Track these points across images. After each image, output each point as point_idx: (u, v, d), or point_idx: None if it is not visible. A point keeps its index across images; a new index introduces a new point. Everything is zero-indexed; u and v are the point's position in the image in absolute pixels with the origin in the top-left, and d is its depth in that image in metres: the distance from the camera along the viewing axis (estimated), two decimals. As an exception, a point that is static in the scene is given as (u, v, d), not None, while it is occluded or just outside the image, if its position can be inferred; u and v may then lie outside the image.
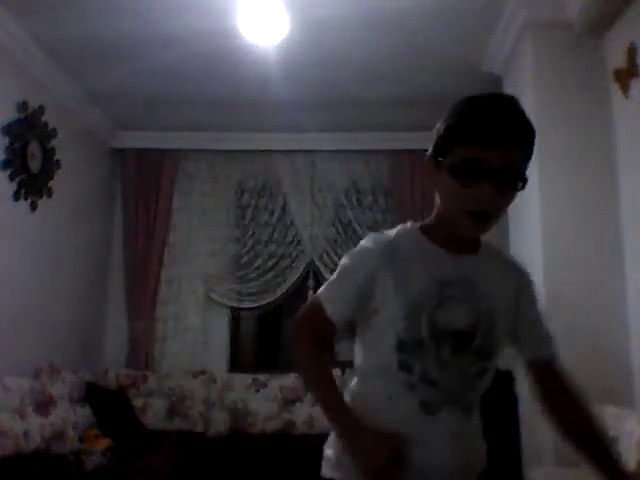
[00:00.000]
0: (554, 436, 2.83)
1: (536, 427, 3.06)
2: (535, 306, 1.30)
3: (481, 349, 1.18)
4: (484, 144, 1.10)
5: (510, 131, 1.11)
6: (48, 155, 3.95)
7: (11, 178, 3.59)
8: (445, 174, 1.15)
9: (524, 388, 3.37)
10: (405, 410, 1.16)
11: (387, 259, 1.19)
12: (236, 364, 5.04)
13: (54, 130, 3.98)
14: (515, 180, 1.13)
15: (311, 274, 4.99)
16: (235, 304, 4.96)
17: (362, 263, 1.22)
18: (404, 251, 1.21)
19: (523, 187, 1.16)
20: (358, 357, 1.26)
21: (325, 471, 1.23)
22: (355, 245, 1.29)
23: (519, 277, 1.28)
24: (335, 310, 1.21)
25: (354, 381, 1.27)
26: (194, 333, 4.83)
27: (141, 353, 4.74)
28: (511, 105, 1.16)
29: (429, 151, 1.20)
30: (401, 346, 1.16)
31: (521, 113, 1.15)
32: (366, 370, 1.25)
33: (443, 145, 1.17)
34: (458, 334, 1.17)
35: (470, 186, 1.11)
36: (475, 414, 1.23)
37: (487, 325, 1.18)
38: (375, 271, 1.19)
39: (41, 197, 3.89)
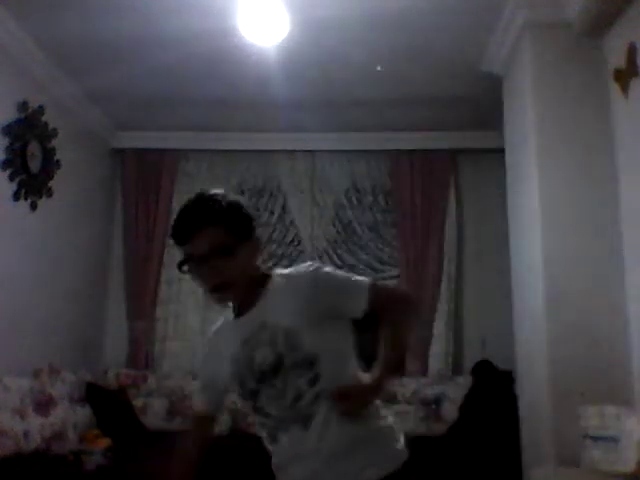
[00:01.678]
0: (554, 436, 2.83)
1: (536, 427, 3.07)
2: (333, 284, 1.46)
3: (296, 364, 1.38)
4: (181, 244, 1.41)
5: (189, 227, 1.39)
6: (48, 155, 3.95)
7: (11, 178, 3.59)
8: (191, 276, 1.46)
9: (524, 388, 3.37)
10: (266, 442, 1.52)
11: (210, 347, 1.63)
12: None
13: (54, 130, 3.98)
14: (223, 253, 1.38)
15: (311, 274, 4.98)
16: (235, 304, 4.95)
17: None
18: (220, 333, 1.57)
19: (245, 239, 1.42)
20: None
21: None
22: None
23: (307, 281, 1.44)
24: None
25: None
26: (194, 333, 4.83)
27: (141, 353, 4.74)
28: (191, 204, 1.43)
29: None
30: (245, 398, 1.52)
31: (201, 202, 1.43)
32: None
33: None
34: (272, 368, 1.40)
35: (197, 273, 1.42)
36: (322, 416, 1.39)
37: (289, 344, 1.38)
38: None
39: (41, 197, 3.89)
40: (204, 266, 1.39)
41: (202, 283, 1.43)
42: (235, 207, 1.45)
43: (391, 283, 1.49)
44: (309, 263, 1.49)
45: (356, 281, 1.49)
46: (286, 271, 1.50)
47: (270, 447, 1.52)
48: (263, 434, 1.51)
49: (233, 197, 1.48)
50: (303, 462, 1.42)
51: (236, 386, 1.52)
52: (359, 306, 1.46)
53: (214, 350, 1.59)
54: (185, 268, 1.42)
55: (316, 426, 1.39)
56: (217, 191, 1.48)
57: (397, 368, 1.49)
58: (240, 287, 1.44)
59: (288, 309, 1.41)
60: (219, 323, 1.59)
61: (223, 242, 1.38)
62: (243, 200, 1.50)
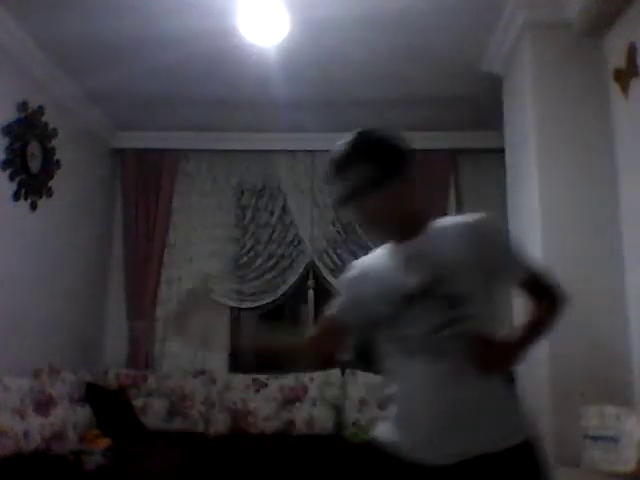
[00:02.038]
0: (554, 436, 2.83)
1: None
2: (498, 244, 1.48)
3: (448, 297, 1.39)
4: (334, 181, 1.48)
5: (340, 164, 1.46)
6: (48, 155, 3.95)
7: (11, 178, 3.59)
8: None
9: (524, 388, 3.36)
10: (396, 368, 1.49)
11: (356, 272, 1.62)
12: (236, 364, 5.04)
13: (54, 130, 3.98)
14: (372, 189, 1.42)
15: (311, 274, 4.98)
16: (235, 304, 4.96)
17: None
18: (368, 261, 1.62)
19: (395, 175, 1.44)
20: None
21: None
22: (354, 245, 1.53)
23: (474, 231, 1.46)
24: None
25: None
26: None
27: (141, 353, 4.74)
28: (346, 141, 1.48)
29: None
30: (386, 321, 1.48)
31: (355, 139, 1.47)
32: (380, 349, 1.57)
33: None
34: (423, 292, 1.41)
35: (351, 209, 1.48)
36: (461, 350, 1.37)
37: (448, 277, 1.40)
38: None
39: (41, 197, 3.89)
40: (355, 202, 1.45)
41: (356, 219, 1.51)
42: (387, 143, 1.49)
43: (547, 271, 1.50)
44: (482, 214, 1.49)
45: (519, 255, 1.50)
46: (452, 217, 1.55)
47: (400, 376, 1.48)
48: (393, 363, 1.49)
49: (388, 133, 1.51)
50: (437, 400, 1.38)
51: (381, 306, 1.48)
52: (510, 278, 1.51)
53: (362, 274, 1.59)
54: (341, 205, 1.47)
55: (446, 365, 1.38)
56: (375, 127, 1.53)
57: (530, 345, 1.44)
58: (393, 223, 1.48)
59: (451, 246, 1.43)
60: (369, 255, 1.64)
61: (372, 178, 1.42)
62: (399, 135, 1.52)
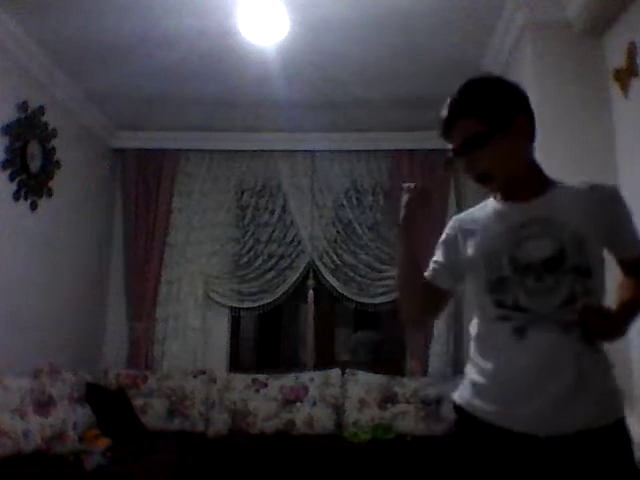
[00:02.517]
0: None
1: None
2: (621, 215, 1.47)
3: (578, 268, 1.35)
4: (443, 138, 1.48)
5: (445, 121, 1.45)
6: (48, 155, 3.95)
7: (11, 178, 3.59)
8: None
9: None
10: (502, 338, 1.40)
11: (458, 229, 1.57)
12: (236, 364, 5.05)
13: (54, 130, 3.98)
14: (477, 144, 1.40)
15: (311, 274, 4.98)
16: (235, 304, 4.96)
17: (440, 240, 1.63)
18: (475, 216, 1.56)
19: (501, 129, 1.40)
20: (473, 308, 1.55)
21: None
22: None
23: (596, 197, 1.43)
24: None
25: (472, 327, 1.54)
26: (194, 333, 4.83)
27: (141, 353, 4.74)
28: (453, 95, 1.47)
29: None
30: (491, 287, 1.42)
31: (460, 92, 1.45)
32: (476, 314, 1.52)
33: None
34: (546, 262, 1.36)
35: (459, 165, 1.47)
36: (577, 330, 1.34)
37: (576, 246, 1.35)
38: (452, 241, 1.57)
39: (41, 197, 3.89)
40: (462, 159, 1.45)
41: (466, 174, 1.48)
42: (492, 95, 1.44)
43: None
44: (605, 184, 1.48)
45: (637, 232, 1.48)
46: (577, 182, 1.49)
47: (506, 345, 1.41)
48: (502, 330, 1.41)
49: (498, 82, 1.48)
50: (556, 373, 1.35)
51: (483, 269, 1.44)
52: (623, 254, 1.48)
53: (466, 233, 1.54)
54: (450, 161, 1.48)
55: (575, 336, 1.35)
56: (483, 77, 1.52)
57: (634, 319, 1.41)
58: (505, 178, 1.45)
59: (579, 212, 1.39)
60: (475, 208, 1.60)
61: (475, 133, 1.40)
62: (509, 84, 1.47)
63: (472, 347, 1.53)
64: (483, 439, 1.42)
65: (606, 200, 1.46)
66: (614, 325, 1.37)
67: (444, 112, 1.45)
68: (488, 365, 1.44)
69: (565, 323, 1.34)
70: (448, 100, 1.45)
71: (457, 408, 1.50)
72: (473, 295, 1.52)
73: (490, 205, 1.54)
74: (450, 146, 1.45)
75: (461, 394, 1.50)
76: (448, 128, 1.44)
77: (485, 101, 1.42)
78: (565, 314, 1.35)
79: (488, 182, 1.46)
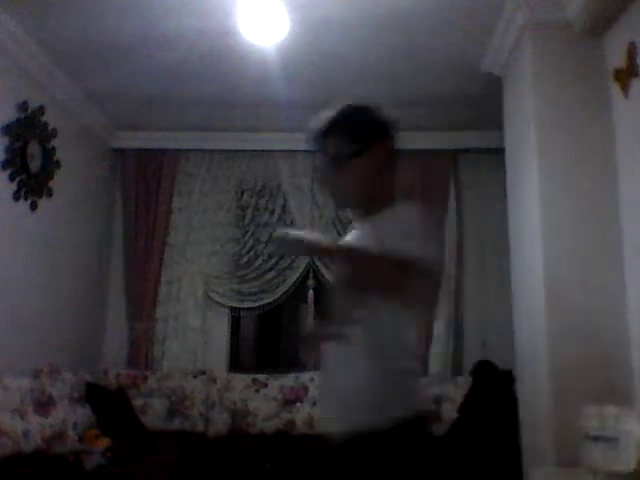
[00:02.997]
0: (554, 436, 2.82)
1: (536, 427, 3.06)
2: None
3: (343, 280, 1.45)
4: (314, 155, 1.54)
5: (317, 137, 1.51)
6: (48, 155, 3.95)
7: (11, 178, 3.59)
8: None
9: (524, 388, 3.37)
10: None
11: None
12: (236, 364, 5.05)
13: (54, 130, 3.98)
14: (335, 164, 1.45)
15: (311, 274, 4.98)
16: (235, 304, 4.96)
17: None
18: None
19: (362, 151, 1.43)
20: None
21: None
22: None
23: (379, 226, 1.43)
24: None
25: None
26: (194, 333, 4.83)
27: (141, 353, 4.74)
28: (325, 117, 1.52)
29: None
30: None
31: (327, 116, 1.50)
32: None
33: None
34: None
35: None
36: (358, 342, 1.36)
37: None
38: None
39: (41, 197, 3.89)
40: (326, 174, 1.51)
41: (328, 192, 1.55)
42: (356, 118, 1.48)
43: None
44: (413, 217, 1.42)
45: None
46: (404, 208, 1.45)
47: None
48: None
49: (363, 106, 1.50)
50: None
51: None
52: None
53: None
54: (317, 176, 1.57)
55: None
56: (353, 102, 1.51)
57: (329, 252, 1.41)
58: (354, 200, 1.50)
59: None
60: None
61: (335, 154, 1.45)
62: (374, 109, 1.50)
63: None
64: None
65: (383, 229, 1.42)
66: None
67: (314, 130, 1.52)
68: None
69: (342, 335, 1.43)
70: (320, 119, 1.51)
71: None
72: None
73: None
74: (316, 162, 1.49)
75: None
76: (318, 144, 1.51)
77: (348, 123, 1.48)
78: (340, 329, 1.45)
79: (338, 201, 1.55)
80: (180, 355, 4.76)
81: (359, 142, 1.44)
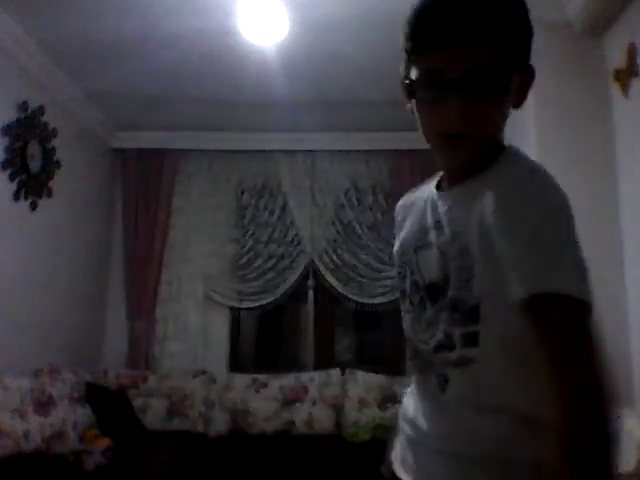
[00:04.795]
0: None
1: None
2: (502, 237, 0.85)
3: (456, 305, 0.91)
4: (432, 46, 0.87)
5: (461, 23, 0.85)
6: (48, 155, 3.95)
7: (11, 178, 3.59)
8: (413, 103, 0.96)
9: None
10: (410, 368, 1.06)
11: (399, 216, 1.17)
12: (236, 364, 5.05)
13: (54, 130, 3.98)
14: (492, 83, 0.88)
15: (311, 274, 4.99)
16: (235, 304, 4.96)
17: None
18: (410, 202, 1.12)
19: (522, 74, 0.93)
20: None
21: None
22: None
23: (489, 198, 0.88)
24: None
25: None
26: (194, 333, 4.83)
27: (141, 353, 4.74)
28: None
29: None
30: (401, 293, 1.06)
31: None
32: None
33: (405, 61, 0.97)
34: (429, 287, 0.96)
35: (436, 103, 0.90)
36: (456, 401, 0.93)
37: (460, 273, 0.90)
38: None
39: (41, 197, 3.89)
40: (453, 96, 0.87)
41: (435, 121, 0.93)
42: (522, 16, 0.91)
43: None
44: (529, 173, 0.96)
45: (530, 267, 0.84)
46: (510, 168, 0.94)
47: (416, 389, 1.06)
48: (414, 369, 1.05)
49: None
50: (419, 445, 1.00)
51: (396, 279, 1.08)
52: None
53: (402, 213, 1.15)
54: (415, 88, 0.93)
55: (449, 402, 0.94)
56: None
57: None
58: (476, 147, 0.93)
59: (473, 220, 0.90)
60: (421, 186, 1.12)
61: (494, 68, 0.87)
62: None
63: None
64: None
65: (494, 210, 0.88)
66: None
67: (441, 10, 0.87)
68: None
69: (441, 376, 0.95)
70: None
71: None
72: None
73: (427, 188, 1.08)
74: (426, 67, 0.91)
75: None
76: (446, 41, 0.86)
77: (516, 22, 0.90)
78: (440, 363, 0.95)
79: (460, 145, 0.92)
80: (180, 355, 4.76)
81: (526, 55, 0.93)
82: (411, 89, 0.95)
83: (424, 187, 1.10)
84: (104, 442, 3.43)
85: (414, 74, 0.93)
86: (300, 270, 4.93)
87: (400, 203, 1.18)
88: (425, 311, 0.98)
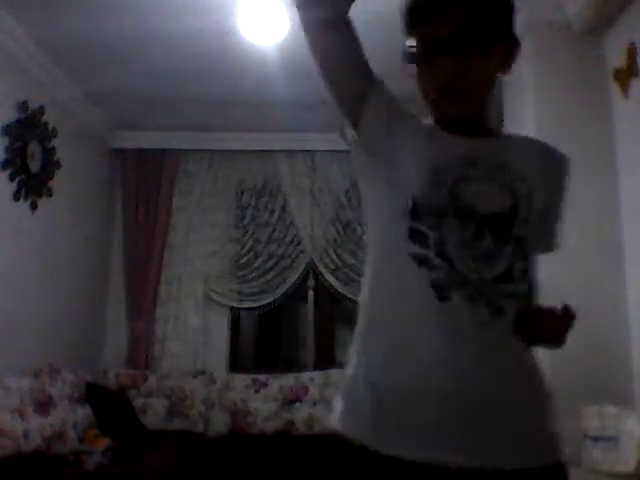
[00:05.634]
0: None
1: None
2: (557, 195, 1.14)
3: (521, 240, 1.03)
4: (425, 19, 1.07)
5: None
6: (48, 155, 3.95)
7: (11, 178, 3.59)
8: (413, 70, 1.14)
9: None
10: (415, 296, 0.98)
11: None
12: (236, 364, 5.05)
13: (54, 130, 3.98)
14: (474, 43, 1.03)
15: (311, 274, 4.98)
16: (235, 304, 4.96)
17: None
18: (409, 115, 1.19)
19: (508, 44, 1.08)
20: (367, 247, 1.12)
21: (334, 424, 1.04)
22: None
23: (554, 161, 1.14)
24: None
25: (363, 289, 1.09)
26: (194, 333, 4.83)
27: (141, 353, 4.74)
28: None
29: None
30: (417, 212, 1.00)
31: None
32: (372, 263, 1.08)
33: (406, 37, 1.16)
34: (493, 217, 1.01)
35: (430, 64, 1.08)
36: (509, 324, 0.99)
37: (525, 212, 1.03)
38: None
39: (41, 197, 3.89)
40: (443, 55, 1.04)
41: (432, 80, 1.09)
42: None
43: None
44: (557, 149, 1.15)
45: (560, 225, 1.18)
46: (516, 134, 1.20)
47: (419, 307, 0.99)
48: (415, 279, 0.99)
49: None
50: (477, 369, 0.96)
51: (421, 181, 1.02)
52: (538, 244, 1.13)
53: (402, 121, 1.17)
54: (414, 53, 1.12)
55: (503, 327, 0.99)
56: None
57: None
58: (469, 100, 1.07)
59: (536, 172, 1.07)
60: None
61: (481, 28, 1.03)
62: None
63: (357, 337, 1.06)
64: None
65: (562, 171, 1.15)
66: (563, 330, 1.09)
67: None
68: (383, 348, 1.00)
69: (495, 306, 0.98)
70: None
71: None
72: (374, 226, 1.11)
73: (424, 124, 1.15)
74: (423, 35, 1.08)
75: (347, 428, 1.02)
76: (441, 9, 1.04)
77: None
78: (497, 294, 0.99)
79: (451, 95, 1.06)
80: (180, 355, 4.76)
81: (510, 22, 1.10)
82: (411, 55, 1.12)
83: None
84: (104, 442, 3.43)
85: (413, 43, 1.11)
86: (300, 270, 4.93)
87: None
88: (483, 241, 1.00)
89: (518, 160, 1.07)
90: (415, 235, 0.99)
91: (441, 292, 0.97)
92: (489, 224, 1.00)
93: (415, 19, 1.10)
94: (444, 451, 0.92)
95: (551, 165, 1.13)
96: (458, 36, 1.03)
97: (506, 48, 1.09)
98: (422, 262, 0.98)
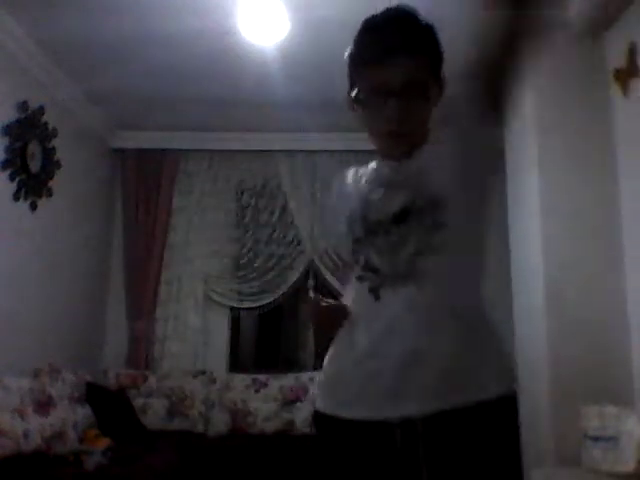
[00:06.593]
0: (554, 436, 2.82)
1: (536, 427, 3.06)
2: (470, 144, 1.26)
3: (426, 219, 1.17)
4: (372, 62, 1.17)
5: (396, 43, 1.15)
6: (48, 155, 3.95)
7: (11, 178, 3.59)
8: (360, 107, 1.24)
9: (524, 388, 3.36)
10: (360, 299, 1.23)
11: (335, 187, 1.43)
12: (236, 364, 5.05)
13: (54, 130, 3.98)
14: (421, 92, 1.18)
15: (311, 274, 4.99)
16: (235, 304, 4.96)
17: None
18: (351, 174, 1.42)
19: (440, 90, 1.24)
20: None
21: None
22: None
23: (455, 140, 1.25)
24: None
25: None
26: (194, 333, 4.83)
27: (141, 353, 4.74)
28: (398, 16, 1.21)
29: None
30: (354, 242, 1.25)
31: (409, 20, 1.21)
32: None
33: (349, 77, 1.30)
34: (395, 215, 1.19)
35: (380, 109, 1.18)
36: (440, 282, 1.16)
37: (430, 199, 1.17)
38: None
39: (41, 197, 3.89)
40: (392, 103, 1.16)
41: (377, 123, 1.22)
42: (436, 36, 1.26)
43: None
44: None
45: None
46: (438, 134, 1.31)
47: (365, 309, 1.22)
48: (360, 291, 1.23)
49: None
50: (402, 336, 1.14)
51: (349, 225, 1.28)
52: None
53: (339, 183, 1.43)
54: (361, 99, 1.22)
55: (429, 290, 1.15)
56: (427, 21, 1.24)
57: None
58: (414, 139, 1.24)
59: (443, 157, 1.24)
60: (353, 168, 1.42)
61: (424, 79, 1.19)
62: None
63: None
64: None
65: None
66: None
67: (385, 33, 1.18)
68: (353, 338, 1.22)
69: (417, 276, 1.15)
70: (389, 19, 1.21)
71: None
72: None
73: (369, 164, 1.41)
74: (372, 79, 1.19)
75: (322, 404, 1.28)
76: (390, 57, 1.15)
77: (436, 42, 1.26)
78: (414, 267, 1.15)
79: (401, 138, 1.22)
80: (180, 355, 4.76)
81: (440, 66, 1.25)
82: (357, 98, 1.23)
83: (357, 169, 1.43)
84: (104, 442, 3.43)
85: (362, 85, 1.22)
86: (300, 270, 4.93)
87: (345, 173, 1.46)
88: (389, 236, 1.20)
89: (423, 168, 1.22)
90: (356, 260, 1.24)
91: (374, 295, 1.19)
92: (393, 222, 1.18)
93: (368, 59, 1.19)
94: (372, 409, 1.15)
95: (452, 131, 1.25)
96: (408, 86, 1.15)
97: (440, 88, 1.25)
98: (360, 278, 1.23)
